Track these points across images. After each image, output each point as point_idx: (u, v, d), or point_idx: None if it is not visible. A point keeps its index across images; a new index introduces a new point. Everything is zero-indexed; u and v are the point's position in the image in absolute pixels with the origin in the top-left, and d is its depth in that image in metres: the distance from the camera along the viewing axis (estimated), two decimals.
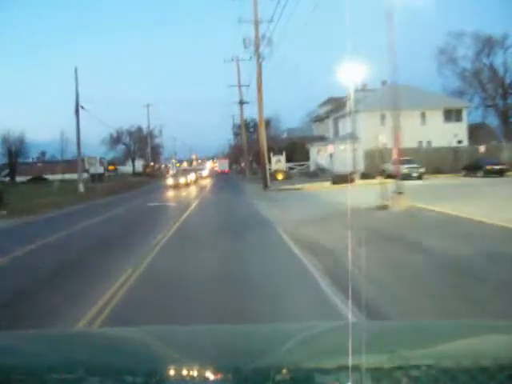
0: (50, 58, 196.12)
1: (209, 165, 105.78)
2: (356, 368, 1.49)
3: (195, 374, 1.66)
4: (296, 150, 51.99)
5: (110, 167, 74.77)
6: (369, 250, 8.77)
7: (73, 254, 10.74)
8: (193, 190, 38.03)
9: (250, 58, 40.30)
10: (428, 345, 1.90)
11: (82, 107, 38.01)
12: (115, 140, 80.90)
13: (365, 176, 34.00)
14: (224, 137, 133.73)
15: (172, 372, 1.72)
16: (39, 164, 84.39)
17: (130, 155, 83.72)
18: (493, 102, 50.30)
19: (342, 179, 29.27)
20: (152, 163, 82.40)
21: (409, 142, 39.09)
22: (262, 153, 32.27)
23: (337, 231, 11.04)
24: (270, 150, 37.08)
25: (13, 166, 69.08)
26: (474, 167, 34.12)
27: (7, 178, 66.42)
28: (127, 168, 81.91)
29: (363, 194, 22.53)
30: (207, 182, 50.96)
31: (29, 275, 8.76)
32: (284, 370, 1.63)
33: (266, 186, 31.12)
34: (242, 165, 68.04)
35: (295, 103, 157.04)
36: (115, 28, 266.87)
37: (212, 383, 1.58)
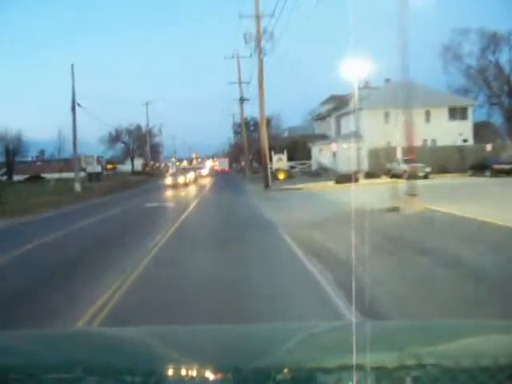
0: (50, 57, 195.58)
1: (209, 164, 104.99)
2: (357, 368, 1.46)
3: (195, 373, 1.65)
4: (297, 148, 51.08)
5: (109, 166, 73.93)
6: (391, 262, 7.89)
7: (62, 259, 9.92)
8: (192, 189, 37.15)
9: (251, 55, 39.45)
10: (428, 345, 1.89)
11: (79, 104, 37.28)
12: (114, 138, 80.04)
13: (369, 175, 33.10)
14: (224, 135, 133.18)
15: (172, 372, 1.70)
16: (38, 163, 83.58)
17: (129, 154, 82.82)
18: (498, 100, 49.40)
19: (345, 178, 28.33)
20: (151, 162, 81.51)
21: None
22: (263, 151, 31.35)
23: (348, 237, 9.99)
24: (270, 148, 36.18)
25: (10, 165, 68.55)
26: (480, 166, 33.24)
27: (4, 177, 65.74)
28: (126, 167, 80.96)
29: (369, 194, 21.63)
30: (207, 182, 50.10)
31: (15, 281, 8.16)
32: (284, 370, 1.61)
33: (267, 186, 30.20)
34: (242, 164, 67.23)
35: (296, 101, 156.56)
36: (114, 27, 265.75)
37: (212, 383, 1.58)
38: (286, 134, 65.90)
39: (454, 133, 41.43)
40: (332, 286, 6.64)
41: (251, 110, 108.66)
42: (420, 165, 32.17)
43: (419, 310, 5.52)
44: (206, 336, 2.27)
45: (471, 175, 33.04)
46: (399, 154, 36.47)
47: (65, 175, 56.15)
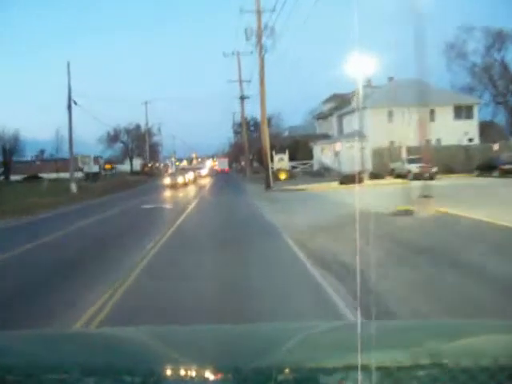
0: (49, 57, 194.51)
1: (209, 163, 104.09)
2: (357, 368, 1.45)
3: (195, 374, 1.64)
4: (299, 148, 50.09)
5: (107, 166, 73.02)
6: (416, 277, 6.86)
7: (45, 268, 8.90)
8: (191, 190, 36.18)
9: (252, 52, 38.57)
10: (427, 344, 1.87)
11: (75, 102, 36.36)
12: (112, 138, 79.07)
13: (374, 176, 32.11)
14: (224, 135, 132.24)
15: (171, 372, 1.69)
16: (37, 162, 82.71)
17: (128, 154, 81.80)
18: (503, 99, 48.41)
19: (349, 179, 27.35)
20: (151, 162, 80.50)
21: (417, 139, 37.36)
22: (265, 151, 30.35)
23: (359, 243, 9.08)
24: (271, 148, 35.17)
25: (7, 165, 67.79)
26: (488, 167, 32.29)
27: (1, 177, 64.91)
28: (126, 167, 79.98)
29: (376, 195, 20.69)
30: (206, 182, 49.13)
31: None
32: (285, 370, 1.60)
33: (268, 186, 29.22)
34: (243, 164, 66.34)
35: (296, 101, 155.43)
36: (113, 27, 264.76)
37: (212, 383, 1.57)
38: (286, 134, 65.07)
39: (460, 132, 40.51)
40: (350, 307, 5.63)
41: (251, 110, 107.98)
42: (426, 165, 31.22)
43: None
44: (206, 336, 2.25)
45: (478, 175, 32.13)
46: (404, 154, 35.56)
47: (62, 175, 55.25)
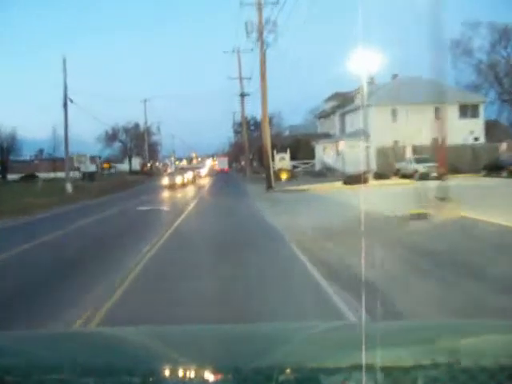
0: (49, 56, 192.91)
1: (209, 163, 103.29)
2: (360, 368, 1.45)
3: (195, 374, 1.62)
4: (300, 147, 49.07)
5: (105, 165, 72.09)
6: (447, 295, 5.86)
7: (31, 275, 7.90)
8: (189, 190, 35.24)
9: (252, 49, 37.62)
10: (427, 344, 1.86)
11: (71, 100, 35.43)
12: (111, 137, 77.98)
13: (378, 176, 31.13)
14: (224, 135, 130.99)
15: (171, 372, 1.67)
16: (36, 162, 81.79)
17: (126, 153, 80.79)
18: (509, 97, 47.42)
19: (354, 179, 26.37)
20: (150, 161, 79.52)
21: (422, 138, 36.43)
22: (266, 149, 29.34)
23: (373, 250, 8.10)
24: (272, 147, 34.17)
25: (4, 164, 67.01)
26: (495, 167, 31.38)
27: None
28: (125, 166, 79.01)
29: (384, 196, 19.73)
30: (206, 182, 48.22)
31: None
32: (285, 370, 1.59)
33: (269, 187, 28.22)
34: (243, 163, 65.44)
35: (297, 100, 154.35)
36: (113, 26, 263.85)
37: (212, 383, 1.56)
38: (287, 133, 64.19)
39: (465, 131, 39.52)
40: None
41: (251, 110, 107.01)
42: (433, 164, 30.30)
43: None
44: (206, 336, 2.24)
45: (485, 176, 31.20)
46: (409, 154, 34.60)
47: (59, 175, 54.37)
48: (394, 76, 44.51)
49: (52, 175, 60.22)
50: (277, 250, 9.77)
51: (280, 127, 68.16)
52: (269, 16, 27.67)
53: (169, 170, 64.40)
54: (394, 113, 39.49)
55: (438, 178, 29.08)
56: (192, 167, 66.56)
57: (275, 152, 40.77)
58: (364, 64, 30.33)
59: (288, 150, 44.21)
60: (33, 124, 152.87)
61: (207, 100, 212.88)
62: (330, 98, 55.53)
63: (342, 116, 47.24)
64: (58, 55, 35.04)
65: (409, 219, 11.81)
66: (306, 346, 1.99)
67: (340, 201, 18.70)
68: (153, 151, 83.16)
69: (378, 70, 43.68)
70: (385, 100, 39.15)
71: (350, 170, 32.07)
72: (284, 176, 36.94)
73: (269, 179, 28.60)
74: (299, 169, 46.10)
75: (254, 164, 61.41)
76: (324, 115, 56.59)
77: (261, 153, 39.36)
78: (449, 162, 33.18)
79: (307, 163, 47.22)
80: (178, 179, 39.24)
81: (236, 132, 78.78)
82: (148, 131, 75.54)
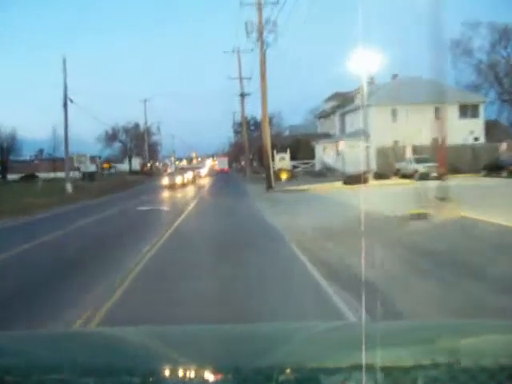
0: (49, 56, 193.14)
1: (209, 163, 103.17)
2: (360, 367, 1.45)
3: (195, 374, 1.62)
4: (300, 147, 49.01)
5: (105, 165, 72.03)
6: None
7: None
8: (189, 190, 35.20)
9: (252, 49, 37.61)
10: (427, 344, 1.86)
11: (71, 100, 35.38)
12: (111, 137, 77.90)
13: (378, 176, 31.10)
14: (224, 135, 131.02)
15: (171, 372, 1.66)
16: (36, 161, 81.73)
17: (127, 153, 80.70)
18: (509, 97, 47.37)
19: (354, 179, 26.34)
20: (150, 161, 79.43)
21: (422, 138, 36.39)
22: (266, 149, 29.30)
23: (373, 250, 8.09)
24: (272, 147, 34.14)
25: (4, 164, 66.94)
26: (495, 167, 31.35)
27: None
28: (125, 166, 78.90)
29: (384, 196, 19.72)
30: (206, 182, 48.16)
31: None
32: (285, 370, 1.59)
33: (269, 187, 28.18)
34: (243, 163, 65.39)
35: (296, 100, 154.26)
36: (113, 26, 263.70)
37: (212, 383, 1.56)
38: (286, 133, 64.12)
39: (465, 131, 39.48)
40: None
41: (251, 110, 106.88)
42: (433, 164, 30.29)
43: None
44: (206, 336, 2.23)
45: (485, 176, 31.16)
46: (409, 154, 34.57)
47: (59, 174, 54.34)
48: (394, 76, 44.49)
49: (52, 175, 60.18)
50: (277, 250, 9.74)
51: (280, 127, 68.14)
52: (269, 16, 27.68)
53: (169, 170, 64.37)
54: (393, 113, 39.46)
55: (438, 178, 29.13)
56: (192, 167, 66.49)
57: (275, 152, 40.74)
58: (364, 64, 30.32)
59: (288, 150, 44.16)
60: (33, 124, 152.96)
61: (207, 100, 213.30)
62: (329, 98, 55.51)
63: (342, 116, 47.21)
64: (58, 55, 35.02)
65: (409, 219, 11.80)
66: (306, 346, 1.99)
67: (340, 201, 18.70)
68: (153, 151, 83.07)
69: (378, 70, 43.66)
70: (385, 100, 39.12)
71: (350, 169, 32.06)
72: (284, 176, 36.91)
73: (269, 179, 28.56)
74: (299, 169, 46.08)
75: (254, 164, 61.36)
76: (324, 115, 56.56)
77: (261, 153, 39.32)
78: (449, 161, 33.18)
79: (307, 163, 47.19)
80: (178, 179, 39.20)
81: (236, 132, 78.71)
82: (148, 131, 75.47)
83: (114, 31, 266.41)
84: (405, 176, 31.77)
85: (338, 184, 28.22)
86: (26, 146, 72.65)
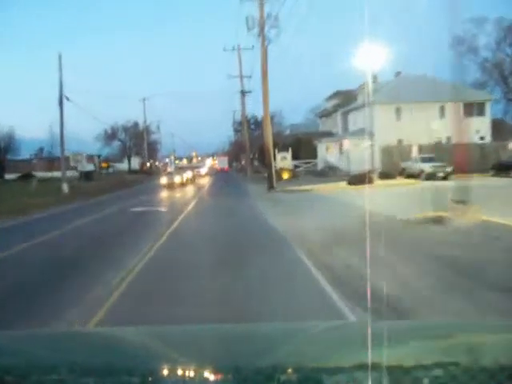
0: (49, 56, 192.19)
1: (209, 162, 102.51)
2: (361, 367, 1.43)
3: (195, 374, 1.61)
4: (301, 146, 48.20)
5: (104, 164, 71.29)
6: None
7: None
8: (189, 190, 34.34)
9: (253, 47, 36.79)
10: (426, 344, 1.85)
11: (67, 98, 34.57)
12: (110, 136, 77.16)
13: (384, 175, 30.24)
14: (224, 134, 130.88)
15: (171, 372, 1.65)
16: (34, 161, 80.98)
17: (126, 152, 79.92)
18: None
19: (359, 179, 25.48)
20: (149, 160, 78.65)
21: (427, 137, 35.59)
22: (268, 148, 28.43)
23: (396, 263, 7.21)
24: (274, 146, 33.30)
25: (1, 163, 66.33)
26: (504, 167, 30.52)
27: None
28: (124, 165, 78.17)
29: (391, 197, 18.88)
30: (205, 181, 47.32)
31: None
32: (286, 370, 1.57)
33: (271, 187, 27.32)
34: (243, 162, 64.59)
35: (297, 98, 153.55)
36: (113, 26, 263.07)
37: (212, 383, 1.54)
38: (287, 132, 63.39)
39: (471, 130, 38.66)
40: None
41: (252, 109, 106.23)
42: (440, 164, 29.45)
43: None
44: (206, 336, 2.21)
45: (493, 175, 30.35)
46: (415, 153, 33.71)
47: (56, 174, 53.58)
48: (397, 73, 43.63)
49: (49, 175, 59.48)
50: (281, 253, 9.02)
51: (281, 126, 67.43)
52: (270, 11, 26.82)
53: (168, 169, 63.62)
54: (397, 111, 38.65)
55: (445, 178, 28.38)
56: (192, 166, 65.69)
57: (276, 151, 39.91)
58: (368, 61, 29.49)
59: (290, 149, 43.33)
60: (32, 123, 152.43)
61: (207, 99, 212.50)
62: (331, 97, 54.71)
63: (345, 114, 46.39)
64: (57, 55, 34.05)
65: (423, 223, 10.90)
66: (306, 346, 1.98)
67: (346, 202, 17.81)
68: (152, 150, 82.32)
69: (381, 67, 42.82)
70: (388, 98, 38.30)
71: (355, 169, 31.25)
72: (285, 175, 36.09)
73: (270, 179, 27.70)
74: (301, 168, 45.25)
75: (255, 163, 60.59)
76: (325, 114, 55.76)
77: (262, 152, 38.50)
78: (454, 161, 32.53)
79: (309, 162, 46.37)
80: (177, 179, 38.41)
81: (236, 131, 78.08)
82: (147, 130, 74.74)
83: (113, 31, 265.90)
84: (411, 176, 30.95)
85: (342, 184, 27.34)
86: (25, 146, 72.19)
